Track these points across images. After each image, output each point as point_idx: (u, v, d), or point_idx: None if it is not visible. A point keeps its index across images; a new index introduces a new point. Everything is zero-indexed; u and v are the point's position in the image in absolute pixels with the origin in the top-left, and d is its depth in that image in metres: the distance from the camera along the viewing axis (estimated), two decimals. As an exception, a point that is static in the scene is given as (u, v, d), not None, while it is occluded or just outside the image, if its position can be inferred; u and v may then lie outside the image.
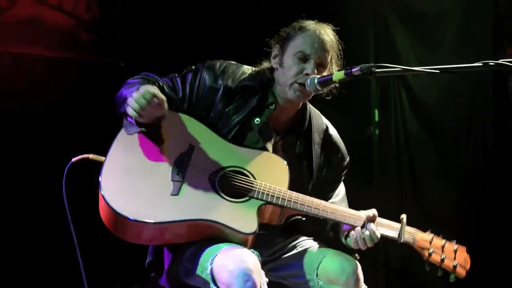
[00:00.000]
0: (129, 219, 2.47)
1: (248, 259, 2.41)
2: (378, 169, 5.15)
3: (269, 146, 2.74)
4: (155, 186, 2.55)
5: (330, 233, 2.79)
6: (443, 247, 2.60)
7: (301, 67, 2.68)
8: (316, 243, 2.79)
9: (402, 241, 2.58)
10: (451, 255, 2.58)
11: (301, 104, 2.80)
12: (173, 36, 4.42)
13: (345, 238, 2.68)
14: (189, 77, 2.75)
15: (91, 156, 2.73)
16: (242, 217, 2.54)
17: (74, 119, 4.03)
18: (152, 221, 2.47)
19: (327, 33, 2.74)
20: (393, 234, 2.60)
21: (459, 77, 4.79)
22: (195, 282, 2.61)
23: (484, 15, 4.89)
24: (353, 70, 2.34)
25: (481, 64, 2.22)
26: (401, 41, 5.11)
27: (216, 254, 2.44)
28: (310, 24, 2.74)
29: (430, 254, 2.57)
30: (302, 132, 2.82)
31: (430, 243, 2.59)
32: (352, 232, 2.62)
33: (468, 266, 2.61)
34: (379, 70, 2.29)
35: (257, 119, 2.71)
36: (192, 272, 2.58)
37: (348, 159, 2.93)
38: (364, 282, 2.67)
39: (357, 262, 2.66)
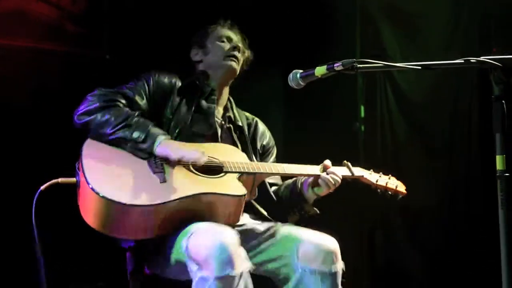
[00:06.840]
0: (137, 205, 2.53)
1: (225, 233, 2.49)
2: (364, 165, 5.15)
3: (218, 131, 3.03)
4: (143, 179, 2.64)
5: (288, 192, 3.07)
6: (380, 176, 3.12)
7: (226, 44, 3.11)
8: (291, 226, 2.89)
9: (354, 176, 3.04)
10: (389, 180, 3.13)
11: (228, 90, 3.14)
12: (159, 30, 4.40)
13: (312, 188, 2.98)
14: (145, 86, 2.92)
15: (60, 180, 2.70)
16: (229, 185, 2.74)
17: (58, 111, 3.98)
18: (159, 202, 2.56)
19: (232, 25, 3.19)
20: (346, 172, 3.03)
21: (444, 75, 4.81)
22: (171, 272, 2.66)
23: (470, 14, 4.92)
24: (335, 65, 2.34)
25: (463, 61, 2.22)
26: (387, 40, 5.12)
27: (192, 233, 2.51)
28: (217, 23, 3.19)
29: (377, 181, 3.07)
30: (234, 117, 3.13)
31: (371, 174, 3.11)
32: (320, 180, 2.94)
33: (404, 186, 3.14)
34: (361, 65, 2.30)
35: (209, 105, 3.01)
36: (168, 258, 2.61)
37: (273, 140, 3.26)
38: (349, 279, 2.72)
39: (333, 238, 2.77)
